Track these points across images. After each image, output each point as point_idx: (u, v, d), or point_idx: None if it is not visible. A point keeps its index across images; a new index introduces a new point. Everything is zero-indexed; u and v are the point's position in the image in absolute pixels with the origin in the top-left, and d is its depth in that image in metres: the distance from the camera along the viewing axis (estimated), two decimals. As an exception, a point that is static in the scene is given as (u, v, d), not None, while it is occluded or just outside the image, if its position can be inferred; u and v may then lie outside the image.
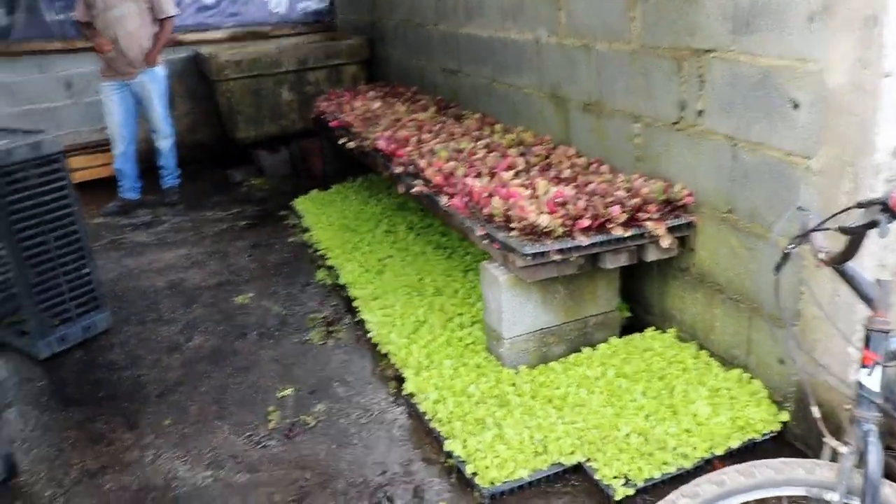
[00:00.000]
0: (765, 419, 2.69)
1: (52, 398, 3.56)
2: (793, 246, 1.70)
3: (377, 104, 5.27)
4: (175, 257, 5.12)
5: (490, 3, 4.52)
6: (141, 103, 5.96)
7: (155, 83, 5.88)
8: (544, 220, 2.83)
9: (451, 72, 5.22)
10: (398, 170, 3.98)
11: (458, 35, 5.00)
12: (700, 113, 2.92)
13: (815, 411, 1.65)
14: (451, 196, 3.39)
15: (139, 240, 5.54)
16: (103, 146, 6.37)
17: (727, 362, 3.03)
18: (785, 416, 2.71)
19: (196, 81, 7.30)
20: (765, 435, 2.68)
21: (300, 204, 5.69)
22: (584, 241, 2.86)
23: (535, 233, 2.87)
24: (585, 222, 2.86)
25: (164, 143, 6.11)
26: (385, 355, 3.54)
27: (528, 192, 3.18)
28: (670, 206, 3.02)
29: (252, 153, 6.88)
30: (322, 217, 5.26)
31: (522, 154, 3.83)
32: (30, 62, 6.93)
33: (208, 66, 6.53)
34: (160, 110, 5.96)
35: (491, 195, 3.18)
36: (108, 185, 6.34)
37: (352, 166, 5.52)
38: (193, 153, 7.27)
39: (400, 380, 3.33)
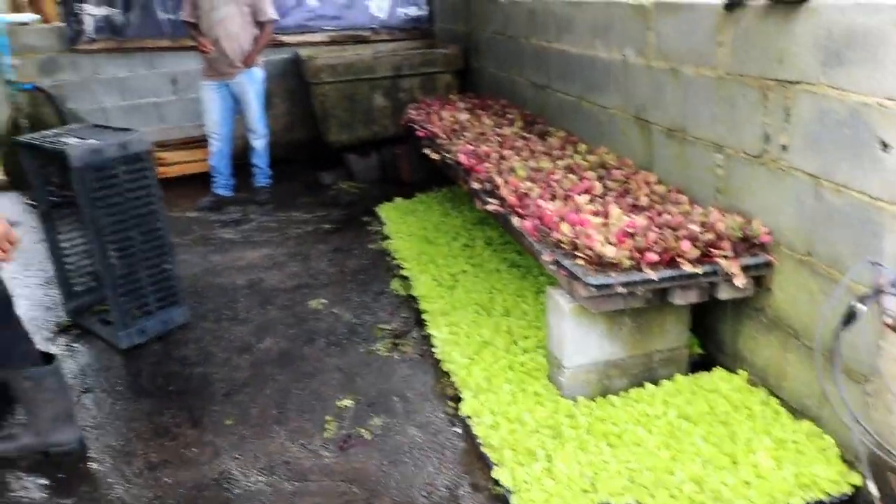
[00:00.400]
0: (833, 479, 2.52)
1: (127, 388, 3.68)
2: (859, 303, 1.58)
3: (465, 116, 5.25)
4: (258, 256, 5.21)
5: (581, 20, 4.43)
6: (239, 103, 6.09)
7: (253, 84, 6.02)
8: (610, 252, 2.74)
9: (541, 87, 5.15)
10: (476, 185, 3.94)
11: (548, 50, 4.92)
12: (784, 148, 2.77)
13: (873, 488, 1.53)
14: (523, 217, 3.32)
15: (226, 236, 5.66)
16: (203, 142, 6.52)
17: (798, 413, 2.87)
18: (856, 479, 2.53)
19: (295, 82, 7.44)
20: (832, 497, 2.50)
21: (384, 211, 5.72)
22: (651, 275, 2.74)
23: (600, 263, 2.77)
24: (653, 256, 2.75)
25: (259, 142, 6.25)
26: (447, 373, 3.50)
27: (600, 219, 3.08)
28: (747, 244, 2.87)
29: (344, 156, 6.94)
30: (403, 226, 5.26)
31: (601, 178, 3.73)
32: (141, 58, 7.28)
33: (305, 69, 6.65)
34: (256, 111, 6.10)
35: (561, 220, 3.09)
36: (204, 180, 6.53)
37: (438, 176, 5.49)
38: (288, 152, 7.42)
39: (459, 400, 3.28)
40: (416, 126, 5.32)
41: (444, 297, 4.12)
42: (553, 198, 3.48)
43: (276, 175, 6.61)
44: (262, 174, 6.40)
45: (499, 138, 4.61)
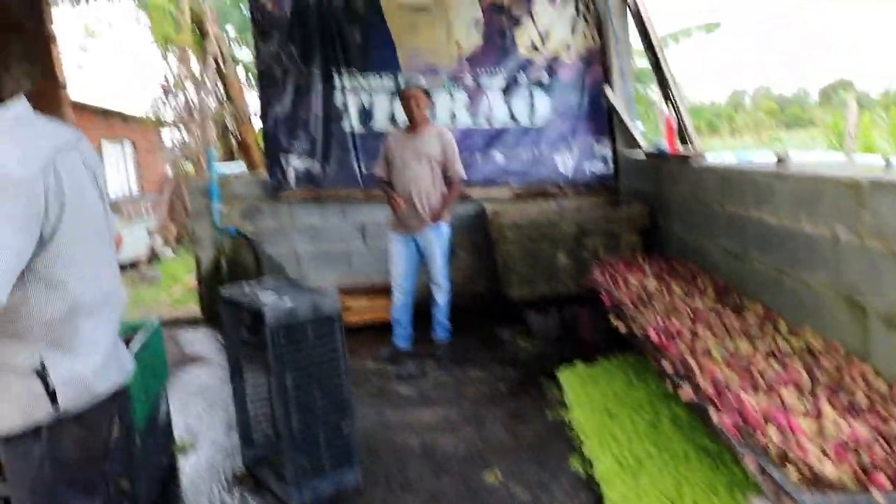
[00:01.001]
0: None
1: (294, 554, 3.58)
2: None
3: (652, 282, 5.06)
4: (432, 417, 5.13)
5: (783, 191, 4.20)
6: (424, 256, 6.19)
7: (439, 239, 6.14)
8: (828, 469, 2.42)
9: (735, 255, 4.89)
10: (667, 366, 3.69)
11: (744, 218, 4.70)
12: None
13: None
14: (721, 410, 3.03)
15: (402, 392, 5.65)
16: (386, 290, 6.71)
17: None
18: None
19: (478, 235, 7.59)
20: None
21: (563, 375, 5.53)
22: (879, 499, 2.38)
23: (816, 479, 2.44)
24: (884, 481, 2.39)
25: (441, 297, 6.30)
26: (630, 577, 3.17)
27: (812, 422, 2.76)
28: None
29: (523, 312, 6.87)
30: (583, 394, 5.04)
31: (808, 366, 3.39)
32: (334, 207, 7.71)
33: (490, 225, 6.77)
34: (441, 265, 6.19)
35: (766, 420, 2.79)
36: (385, 329, 6.62)
37: (621, 339, 5.23)
38: (468, 303, 7.46)
39: None
40: (600, 290, 5.15)
41: (627, 483, 3.82)
42: (755, 388, 3.17)
43: (455, 327, 6.59)
44: (441, 328, 6.42)
45: (690, 311, 4.36)
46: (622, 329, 4.52)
